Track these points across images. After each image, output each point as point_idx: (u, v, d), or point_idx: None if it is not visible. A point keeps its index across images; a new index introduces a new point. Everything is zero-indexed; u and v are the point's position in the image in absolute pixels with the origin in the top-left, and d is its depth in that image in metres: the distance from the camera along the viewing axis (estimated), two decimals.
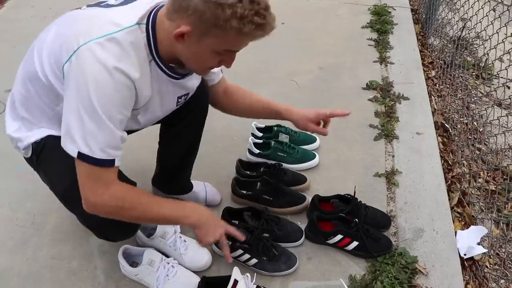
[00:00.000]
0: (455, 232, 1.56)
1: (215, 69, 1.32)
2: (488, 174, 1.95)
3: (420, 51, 2.73)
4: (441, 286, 1.37)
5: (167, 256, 1.40)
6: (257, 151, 1.82)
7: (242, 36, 1.01)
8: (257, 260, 1.40)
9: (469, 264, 1.53)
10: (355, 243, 1.45)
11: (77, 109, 1.01)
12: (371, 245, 1.44)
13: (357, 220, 1.48)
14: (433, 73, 2.63)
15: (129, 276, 1.40)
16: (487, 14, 2.31)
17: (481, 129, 2.23)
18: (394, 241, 1.51)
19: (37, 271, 1.45)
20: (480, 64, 2.66)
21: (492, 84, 2.58)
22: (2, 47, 2.64)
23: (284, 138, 1.87)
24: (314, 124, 1.45)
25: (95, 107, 1.00)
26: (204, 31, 1.01)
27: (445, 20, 2.96)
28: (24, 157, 1.27)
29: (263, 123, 1.94)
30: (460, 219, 1.69)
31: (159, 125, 1.49)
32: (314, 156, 1.83)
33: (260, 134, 1.92)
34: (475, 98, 2.48)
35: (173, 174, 1.59)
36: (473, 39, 2.85)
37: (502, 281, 1.54)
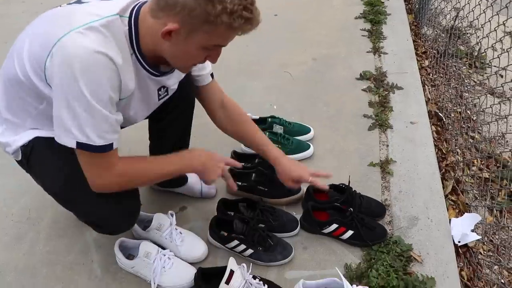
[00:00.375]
0: (450, 219, 1.57)
1: (199, 65, 1.33)
2: (482, 162, 1.97)
3: (414, 41, 2.74)
4: (435, 273, 1.38)
5: (163, 248, 1.41)
6: None
7: (231, 31, 1.03)
8: (253, 251, 1.41)
9: (463, 251, 1.54)
10: (350, 232, 1.46)
11: (66, 100, 1.00)
12: (366, 234, 1.45)
13: (352, 209, 1.48)
14: (427, 62, 2.64)
15: (125, 268, 1.41)
16: (479, 2, 2.32)
17: (474, 118, 2.25)
18: (389, 230, 1.52)
19: (34, 266, 1.45)
20: (473, 53, 2.67)
21: (485, 73, 2.59)
22: None
23: (278, 129, 1.87)
24: (294, 183, 1.48)
25: (84, 94, 0.98)
26: (194, 28, 1.01)
27: (438, 9, 2.96)
28: (16, 160, 1.25)
29: (257, 114, 1.94)
30: (454, 207, 1.70)
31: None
32: (309, 147, 1.84)
33: None
34: (468, 87, 2.49)
35: None
36: (466, 28, 2.85)
37: (496, 267, 1.56)
